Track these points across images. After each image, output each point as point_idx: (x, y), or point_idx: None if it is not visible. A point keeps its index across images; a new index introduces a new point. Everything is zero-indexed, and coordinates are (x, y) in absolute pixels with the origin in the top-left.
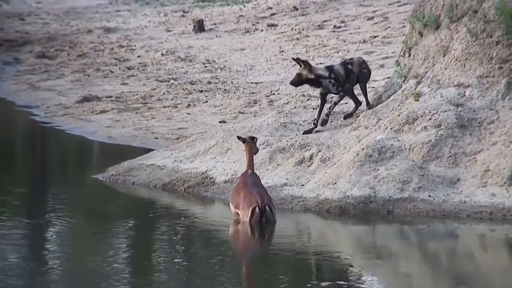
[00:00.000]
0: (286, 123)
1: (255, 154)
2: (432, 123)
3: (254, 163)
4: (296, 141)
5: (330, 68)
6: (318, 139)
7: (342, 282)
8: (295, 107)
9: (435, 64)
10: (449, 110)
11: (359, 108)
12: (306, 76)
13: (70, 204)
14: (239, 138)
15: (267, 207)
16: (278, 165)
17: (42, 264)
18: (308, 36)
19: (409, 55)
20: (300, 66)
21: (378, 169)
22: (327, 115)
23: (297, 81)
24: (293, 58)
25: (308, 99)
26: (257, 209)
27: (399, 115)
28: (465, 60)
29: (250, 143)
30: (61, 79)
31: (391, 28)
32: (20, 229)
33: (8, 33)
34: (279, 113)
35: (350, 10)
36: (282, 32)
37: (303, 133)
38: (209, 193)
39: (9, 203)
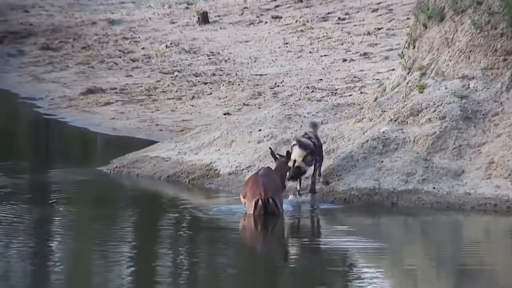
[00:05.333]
0: (290, 115)
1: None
2: (436, 115)
3: (258, 155)
4: (300, 133)
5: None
6: (322, 131)
7: (346, 273)
8: (299, 99)
9: (440, 56)
10: (454, 102)
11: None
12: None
13: (74, 196)
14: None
15: (270, 200)
16: None
17: (44, 254)
18: (313, 28)
19: (414, 47)
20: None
21: (383, 161)
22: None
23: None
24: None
25: (312, 91)
26: (260, 201)
27: (403, 107)
28: (470, 52)
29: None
30: (65, 71)
31: (396, 20)
32: (24, 222)
33: (12, 25)
34: (283, 105)
35: (355, 2)
36: (287, 24)
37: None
38: (214, 185)
39: (13, 195)
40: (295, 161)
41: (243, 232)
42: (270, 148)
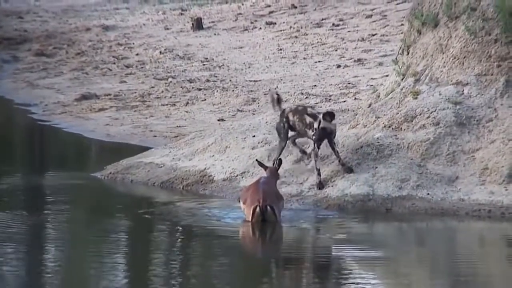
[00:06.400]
0: None
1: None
2: (430, 121)
3: (252, 161)
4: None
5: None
6: None
7: (340, 280)
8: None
9: (434, 62)
10: (448, 108)
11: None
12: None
13: (68, 202)
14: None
15: (268, 207)
16: None
17: (37, 259)
18: (307, 34)
19: (408, 53)
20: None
21: (377, 167)
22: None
23: None
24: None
25: (306, 97)
26: (257, 208)
27: (397, 113)
28: (464, 58)
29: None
30: (59, 77)
31: (390, 26)
32: (17, 228)
33: (7, 31)
34: (277, 111)
35: (349, 8)
36: (281, 30)
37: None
38: (208, 191)
39: (6, 200)
40: (320, 121)
41: (241, 239)
42: (256, 160)
